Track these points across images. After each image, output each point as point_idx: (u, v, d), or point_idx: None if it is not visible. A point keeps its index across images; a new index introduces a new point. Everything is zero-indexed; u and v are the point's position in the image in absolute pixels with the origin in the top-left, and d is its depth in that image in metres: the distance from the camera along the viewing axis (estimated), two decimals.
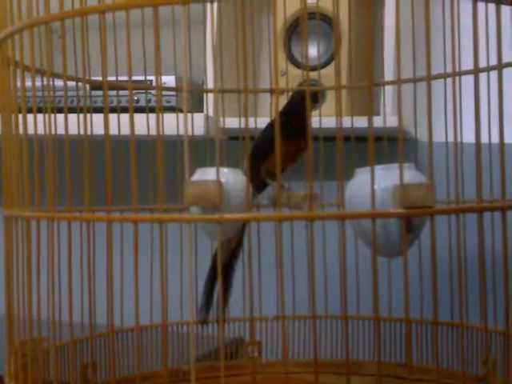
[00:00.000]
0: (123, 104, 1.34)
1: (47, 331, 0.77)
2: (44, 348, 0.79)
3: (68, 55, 0.78)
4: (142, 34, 0.97)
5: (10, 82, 0.81)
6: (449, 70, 0.96)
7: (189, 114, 1.20)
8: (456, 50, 0.83)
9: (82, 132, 0.78)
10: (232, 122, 1.29)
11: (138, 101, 1.38)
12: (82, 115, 0.79)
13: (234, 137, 1.34)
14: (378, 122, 1.16)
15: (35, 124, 0.76)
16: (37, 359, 0.78)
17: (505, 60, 0.74)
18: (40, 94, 0.79)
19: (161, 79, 1.24)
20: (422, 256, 0.91)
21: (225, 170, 0.80)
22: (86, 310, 0.82)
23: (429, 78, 0.67)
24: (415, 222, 0.72)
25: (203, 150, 0.88)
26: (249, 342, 1.01)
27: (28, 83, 0.78)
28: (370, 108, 0.69)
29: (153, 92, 1.38)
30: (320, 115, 1.08)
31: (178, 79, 1.36)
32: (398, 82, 0.66)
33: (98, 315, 0.83)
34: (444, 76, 0.97)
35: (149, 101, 1.38)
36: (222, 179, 0.64)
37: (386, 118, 1.14)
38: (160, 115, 0.71)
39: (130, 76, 0.70)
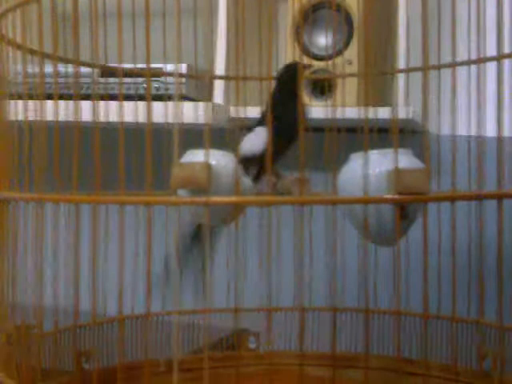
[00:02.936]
0: (129, 92, 1.33)
1: (33, 318, 0.76)
2: (29, 336, 0.78)
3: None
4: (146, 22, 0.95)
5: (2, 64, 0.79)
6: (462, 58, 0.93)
7: (191, 103, 1.19)
8: (459, 39, 0.81)
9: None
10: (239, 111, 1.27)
11: (145, 88, 1.36)
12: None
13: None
14: (386, 112, 1.14)
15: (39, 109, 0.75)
16: (21, 347, 0.76)
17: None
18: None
19: (148, 65, 1.22)
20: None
21: (215, 153, 0.78)
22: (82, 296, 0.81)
23: (430, 67, 0.64)
24: (409, 209, 0.70)
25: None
26: (235, 333, 1.00)
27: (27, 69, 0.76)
28: (367, 97, 0.67)
29: (165, 80, 1.36)
30: (327, 106, 1.06)
31: (188, 67, 1.35)
32: (393, 71, 0.64)
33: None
34: (454, 65, 0.94)
35: (157, 89, 1.36)
36: (212, 161, 0.62)
37: (397, 109, 1.12)
38: (150, 103, 0.69)
39: (119, 61, 0.68)
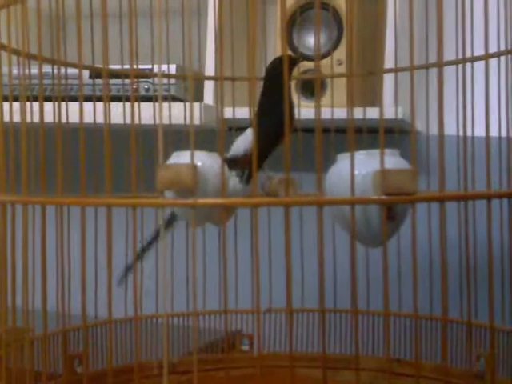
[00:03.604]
0: (118, 93, 1.32)
1: (23, 321, 0.75)
2: (20, 339, 0.77)
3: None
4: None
5: None
6: (451, 57, 0.93)
7: (181, 104, 1.18)
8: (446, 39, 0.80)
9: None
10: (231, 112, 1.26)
11: (136, 90, 1.35)
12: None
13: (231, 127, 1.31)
14: (376, 113, 1.14)
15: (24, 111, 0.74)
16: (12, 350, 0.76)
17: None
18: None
19: (132, 66, 1.22)
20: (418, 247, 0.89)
21: (201, 154, 0.78)
22: (72, 300, 0.80)
23: (413, 68, 0.65)
24: (397, 210, 0.70)
25: (200, 141, 0.86)
26: (228, 335, 0.99)
27: (15, 71, 0.76)
28: (351, 98, 0.67)
29: (153, 81, 1.36)
30: (315, 106, 1.05)
31: (177, 68, 1.34)
32: (380, 71, 0.64)
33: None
34: (441, 64, 0.94)
35: (147, 90, 1.36)
36: (198, 163, 0.62)
37: (385, 109, 1.11)
38: (134, 104, 0.69)
39: (104, 62, 0.68)
